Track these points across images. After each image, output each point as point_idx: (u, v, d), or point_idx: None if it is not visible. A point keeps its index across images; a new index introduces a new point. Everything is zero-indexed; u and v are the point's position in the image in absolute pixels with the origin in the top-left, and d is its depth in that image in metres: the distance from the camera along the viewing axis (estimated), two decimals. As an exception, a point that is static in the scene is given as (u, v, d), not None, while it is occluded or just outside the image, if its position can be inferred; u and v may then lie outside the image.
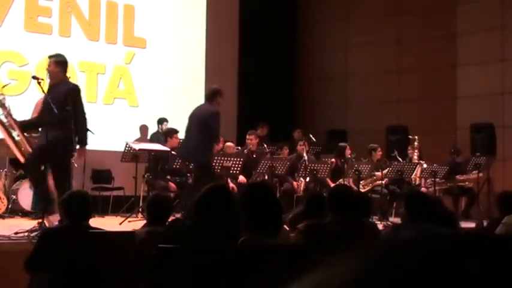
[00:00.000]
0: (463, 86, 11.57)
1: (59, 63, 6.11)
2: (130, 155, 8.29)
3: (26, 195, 7.77)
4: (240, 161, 8.11)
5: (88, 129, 7.60)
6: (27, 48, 9.43)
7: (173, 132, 8.82)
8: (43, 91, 6.12)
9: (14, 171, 8.41)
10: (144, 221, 4.80)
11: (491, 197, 8.95)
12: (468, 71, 11.48)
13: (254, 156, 9.13)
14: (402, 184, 9.54)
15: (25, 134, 6.23)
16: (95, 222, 4.60)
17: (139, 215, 7.58)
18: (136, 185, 8.16)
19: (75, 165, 7.82)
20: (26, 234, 5.47)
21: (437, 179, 9.31)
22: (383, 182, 9.25)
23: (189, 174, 8.38)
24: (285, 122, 11.74)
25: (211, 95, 7.43)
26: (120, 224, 7.16)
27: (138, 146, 8.37)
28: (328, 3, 12.94)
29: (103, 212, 8.58)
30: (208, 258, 2.87)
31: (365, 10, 12.43)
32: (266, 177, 8.57)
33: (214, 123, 7.18)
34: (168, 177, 8.44)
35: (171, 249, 2.95)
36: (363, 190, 8.97)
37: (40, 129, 6.29)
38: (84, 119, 6.15)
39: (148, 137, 9.84)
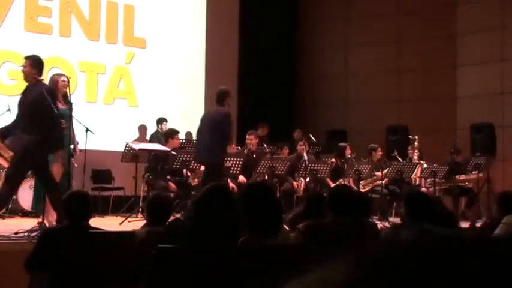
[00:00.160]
0: (463, 86, 11.57)
1: (34, 64, 6.02)
2: (130, 155, 8.28)
3: (26, 195, 7.77)
4: (240, 161, 8.11)
5: (88, 129, 7.64)
6: (27, 48, 9.41)
7: (174, 133, 8.81)
8: (43, 91, 6.12)
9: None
10: (144, 221, 4.80)
11: (491, 197, 8.95)
12: (468, 71, 11.48)
13: (254, 156, 9.13)
14: (402, 184, 9.54)
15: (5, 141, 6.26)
16: (95, 222, 4.60)
17: (139, 215, 7.58)
18: (137, 185, 8.17)
19: (75, 165, 7.82)
20: (26, 234, 5.47)
21: (437, 179, 9.31)
22: (383, 182, 9.25)
23: (189, 174, 8.38)
24: (285, 122, 11.74)
25: (221, 97, 7.42)
26: (120, 224, 7.16)
27: (138, 146, 8.37)
28: (328, 3, 12.94)
29: (103, 212, 8.58)
30: (208, 258, 2.87)
31: (365, 10, 12.43)
32: (266, 177, 8.57)
33: (226, 124, 7.19)
34: (168, 177, 8.43)
35: (171, 249, 2.95)
36: (363, 190, 8.97)
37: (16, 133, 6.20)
38: (55, 124, 5.94)
39: (148, 137, 9.84)
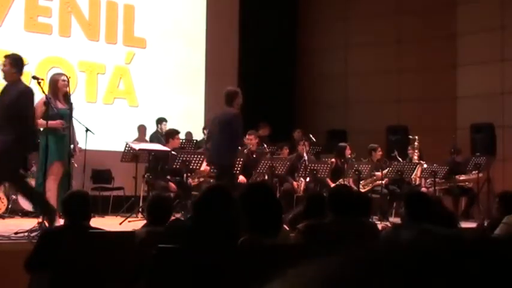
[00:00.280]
0: (463, 86, 11.57)
1: (14, 63, 5.95)
2: (130, 155, 8.28)
3: (26, 195, 7.76)
4: (240, 161, 8.11)
5: (88, 129, 7.64)
6: (27, 48, 9.42)
7: (175, 133, 8.81)
8: (43, 91, 6.11)
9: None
10: (144, 221, 4.80)
11: (491, 197, 8.95)
12: (468, 71, 11.48)
13: (254, 156, 9.13)
14: (402, 184, 9.54)
15: None
16: (95, 222, 4.59)
17: (139, 215, 7.58)
18: (137, 185, 8.17)
19: (75, 165, 7.83)
20: (26, 234, 5.46)
21: (437, 179, 9.31)
22: (383, 182, 9.24)
23: (189, 174, 8.38)
24: (285, 122, 11.73)
25: (229, 97, 7.39)
26: (120, 224, 7.16)
27: (138, 146, 8.37)
28: (328, 3, 12.94)
29: (103, 212, 8.58)
30: (208, 258, 2.87)
31: (365, 10, 12.43)
32: (266, 177, 8.57)
33: (236, 125, 7.16)
34: (168, 177, 8.43)
35: (171, 249, 2.95)
36: (363, 190, 8.97)
37: None
38: (30, 125, 5.88)
39: (148, 137, 9.84)
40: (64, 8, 9.82)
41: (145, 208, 4.53)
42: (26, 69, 9.16)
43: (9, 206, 7.82)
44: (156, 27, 10.70)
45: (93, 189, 8.78)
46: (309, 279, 0.50)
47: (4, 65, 5.99)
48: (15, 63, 5.97)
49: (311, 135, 10.19)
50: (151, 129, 9.96)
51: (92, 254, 3.79)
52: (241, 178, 8.68)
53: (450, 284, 0.47)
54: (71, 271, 3.74)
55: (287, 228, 4.12)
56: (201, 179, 8.49)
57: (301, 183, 9.06)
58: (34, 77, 6.18)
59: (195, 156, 8.03)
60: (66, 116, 6.28)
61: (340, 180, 8.96)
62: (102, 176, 9.39)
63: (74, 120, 6.68)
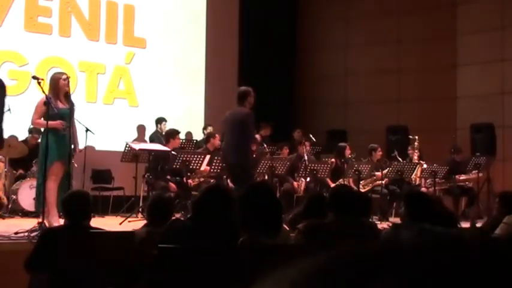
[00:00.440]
0: (463, 86, 11.57)
1: None
2: (130, 155, 8.28)
3: (26, 195, 7.77)
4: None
5: (88, 129, 7.64)
6: (27, 48, 9.43)
7: (175, 133, 8.80)
8: (43, 91, 6.10)
9: (14, 171, 8.42)
10: (144, 221, 4.80)
11: (491, 197, 8.95)
12: (468, 71, 11.48)
13: (254, 156, 9.12)
14: (402, 184, 9.54)
15: None
16: (95, 222, 4.59)
17: (139, 215, 7.58)
18: (137, 185, 8.16)
19: (75, 165, 7.82)
20: (26, 234, 5.46)
21: (437, 179, 9.31)
22: (383, 182, 9.25)
23: (189, 174, 8.38)
24: (285, 122, 11.73)
25: (241, 97, 7.34)
26: (120, 224, 7.16)
27: (138, 146, 8.37)
28: (328, 3, 12.94)
29: (103, 212, 8.58)
30: (208, 258, 2.87)
31: (365, 10, 12.43)
32: (266, 177, 8.56)
33: (246, 124, 7.13)
34: (168, 177, 8.43)
35: (171, 249, 2.95)
36: (363, 190, 8.97)
37: None
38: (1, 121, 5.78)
39: (148, 137, 9.84)
40: (64, 8, 9.82)
41: (146, 208, 4.53)
42: (26, 69, 9.27)
43: (9, 206, 7.82)
44: (156, 27, 10.70)
45: (93, 189, 8.78)
46: (294, 279, 0.50)
47: None
48: None
49: (311, 135, 10.18)
50: (151, 129, 9.96)
51: (92, 254, 3.79)
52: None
53: (450, 284, 0.47)
54: (71, 271, 3.74)
55: (287, 228, 4.12)
56: (201, 179, 8.48)
57: (301, 183, 9.06)
58: (34, 77, 6.18)
59: (195, 156, 8.03)
60: (67, 116, 6.27)
61: (340, 180, 8.96)
62: (102, 176, 9.39)
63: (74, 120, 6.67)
